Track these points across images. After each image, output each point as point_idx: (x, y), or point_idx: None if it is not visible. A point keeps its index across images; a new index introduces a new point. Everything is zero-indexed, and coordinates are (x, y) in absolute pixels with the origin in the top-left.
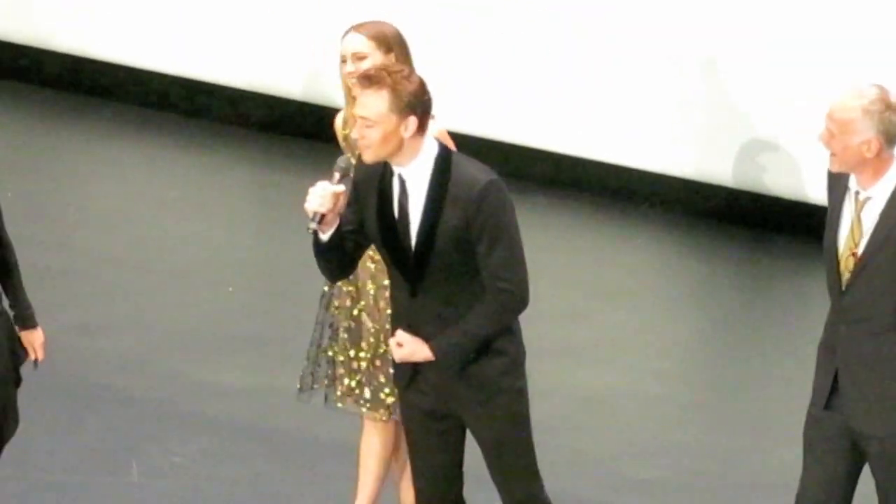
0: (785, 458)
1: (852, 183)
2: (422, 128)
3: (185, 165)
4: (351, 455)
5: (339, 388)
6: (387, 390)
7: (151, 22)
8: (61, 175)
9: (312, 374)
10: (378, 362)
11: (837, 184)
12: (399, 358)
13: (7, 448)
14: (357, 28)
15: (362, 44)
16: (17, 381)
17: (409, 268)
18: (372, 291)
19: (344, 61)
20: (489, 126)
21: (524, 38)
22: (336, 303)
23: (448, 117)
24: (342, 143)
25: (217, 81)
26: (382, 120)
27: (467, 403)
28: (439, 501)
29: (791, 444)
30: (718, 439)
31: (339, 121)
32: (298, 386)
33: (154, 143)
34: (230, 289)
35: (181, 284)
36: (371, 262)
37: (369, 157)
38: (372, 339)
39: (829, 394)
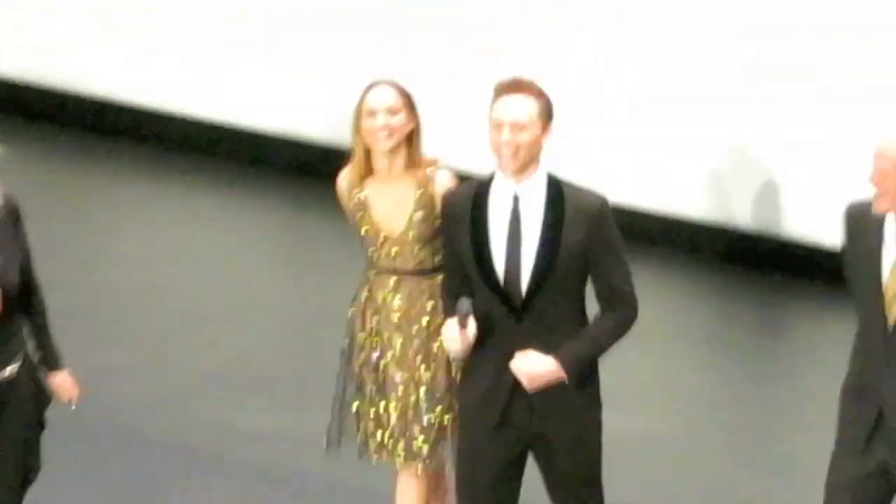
0: (811, 501)
1: (891, 221)
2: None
3: (209, 208)
4: (375, 500)
5: (373, 443)
6: (420, 439)
7: (177, 66)
8: (86, 218)
9: (339, 429)
10: (411, 413)
11: (865, 227)
12: (532, 388)
13: (30, 493)
14: (384, 83)
15: (394, 97)
16: (41, 425)
17: (516, 293)
18: (399, 342)
19: (372, 115)
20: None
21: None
22: (362, 357)
23: (452, 155)
24: (349, 208)
25: (242, 125)
26: (533, 125)
27: (559, 433)
28: None
29: (814, 487)
30: (742, 483)
31: (342, 182)
32: (325, 442)
33: (179, 186)
34: (256, 332)
35: (206, 327)
36: (395, 313)
37: (515, 165)
38: (401, 391)
39: (869, 434)
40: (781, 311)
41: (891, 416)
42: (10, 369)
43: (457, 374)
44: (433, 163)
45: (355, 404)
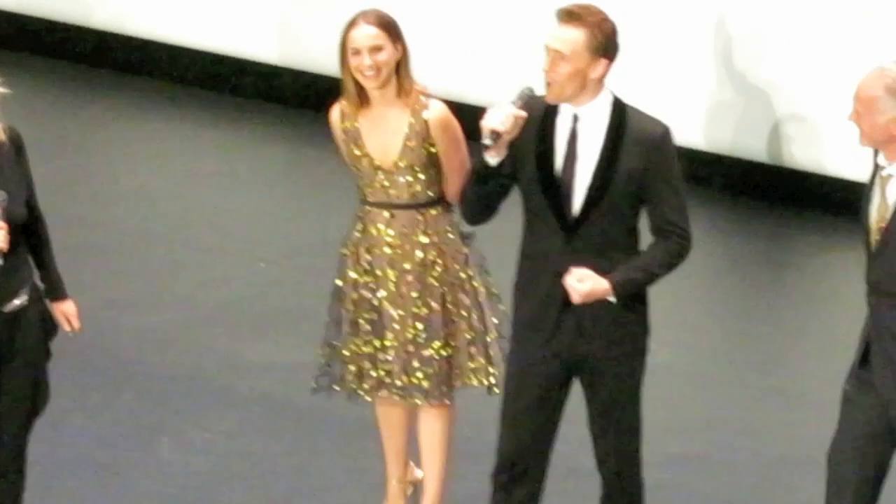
0: (819, 432)
1: (880, 159)
2: (606, 73)
3: (216, 141)
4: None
5: (367, 381)
6: (420, 374)
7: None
8: (93, 151)
9: (328, 374)
10: (411, 348)
11: (874, 158)
12: (582, 296)
13: (38, 423)
14: (366, 19)
15: (376, 34)
16: (48, 355)
17: (569, 211)
18: (393, 278)
19: (357, 53)
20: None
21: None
22: (354, 296)
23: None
24: (340, 136)
25: (249, 57)
26: (576, 56)
27: (606, 355)
28: (530, 454)
29: (824, 418)
30: (753, 414)
31: (335, 113)
32: (314, 385)
33: (186, 119)
34: (262, 264)
35: (213, 260)
36: (389, 247)
37: (553, 94)
38: (397, 327)
39: (863, 362)
40: (789, 242)
41: (874, 347)
42: (20, 299)
43: (453, 305)
44: (423, 90)
45: (350, 346)
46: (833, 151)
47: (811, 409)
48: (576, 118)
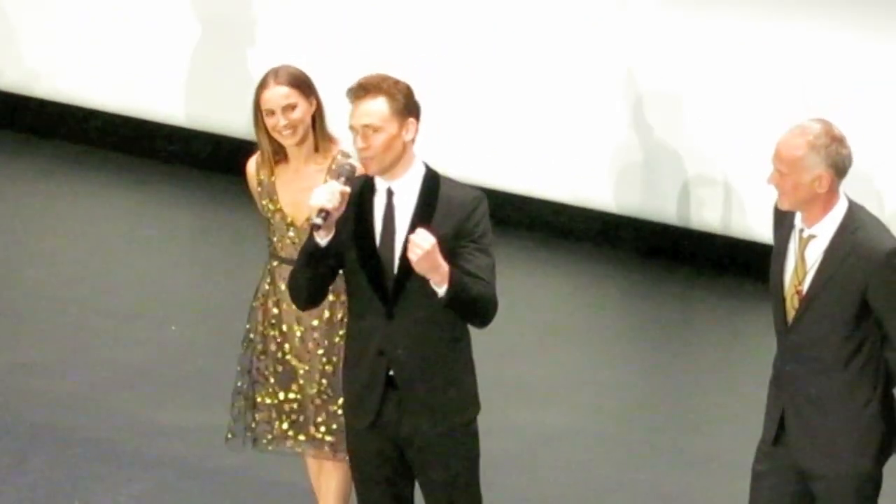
0: (734, 494)
1: (797, 221)
2: (416, 134)
3: (126, 203)
4: (295, 493)
5: (271, 432)
6: (323, 430)
7: (92, 60)
8: (3, 215)
9: (241, 423)
10: (318, 401)
11: (783, 222)
12: (420, 256)
13: None
14: (275, 79)
15: (289, 94)
16: None
17: (388, 284)
18: (299, 334)
19: (271, 114)
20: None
21: (468, 79)
22: (260, 347)
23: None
24: (255, 189)
25: (159, 119)
26: (386, 124)
27: (429, 438)
28: None
29: (740, 480)
30: (668, 477)
31: (251, 166)
32: (228, 435)
33: (96, 182)
34: (173, 327)
35: (124, 323)
36: None
37: (374, 167)
38: (301, 381)
39: (777, 431)
40: (705, 305)
41: (790, 415)
42: None
43: None
44: (337, 143)
45: (258, 395)
46: (742, 213)
47: (728, 471)
48: (390, 193)
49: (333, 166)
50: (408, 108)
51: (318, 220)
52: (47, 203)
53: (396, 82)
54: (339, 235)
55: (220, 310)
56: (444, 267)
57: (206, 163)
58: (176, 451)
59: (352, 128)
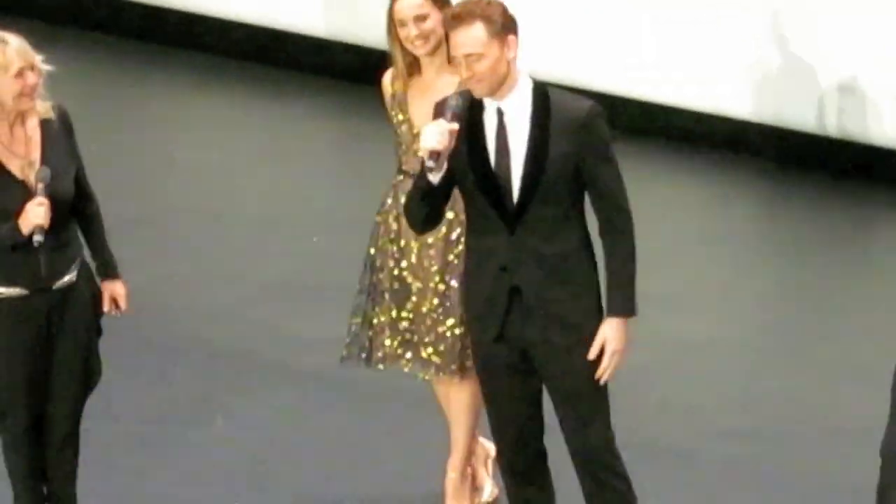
0: (869, 406)
1: None
2: (517, 49)
3: (267, 115)
4: (433, 405)
5: (382, 349)
6: (431, 349)
7: None
8: (145, 127)
9: (357, 343)
10: (429, 320)
11: None
12: (617, 364)
13: (91, 399)
14: None
15: (422, 4)
16: (99, 332)
17: (509, 204)
18: (415, 250)
19: (403, 24)
20: (566, 71)
21: None
22: (379, 263)
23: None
24: (388, 101)
25: (300, 30)
26: (487, 49)
27: (559, 343)
28: (524, 455)
29: (876, 392)
30: (804, 388)
31: (387, 78)
32: (343, 353)
33: (237, 94)
34: (315, 239)
35: (266, 235)
36: None
37: (484, 91)
38: (415, 299)
39: None
40: (853, 216)
41: None
42: (69, 276)
43: None
44: None
45: (373, 313)
46: (878, 121)
47: (864, 383)
48: (500, 112)
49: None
50: (505, 26)
51: (431, 164)
52: (188, 114)
53: (489, 2)
54: (452, 160)
55: (360, 222)
56: (620, 341)
57: (344, 73)
58: (319, 364)
59: (453, 58)
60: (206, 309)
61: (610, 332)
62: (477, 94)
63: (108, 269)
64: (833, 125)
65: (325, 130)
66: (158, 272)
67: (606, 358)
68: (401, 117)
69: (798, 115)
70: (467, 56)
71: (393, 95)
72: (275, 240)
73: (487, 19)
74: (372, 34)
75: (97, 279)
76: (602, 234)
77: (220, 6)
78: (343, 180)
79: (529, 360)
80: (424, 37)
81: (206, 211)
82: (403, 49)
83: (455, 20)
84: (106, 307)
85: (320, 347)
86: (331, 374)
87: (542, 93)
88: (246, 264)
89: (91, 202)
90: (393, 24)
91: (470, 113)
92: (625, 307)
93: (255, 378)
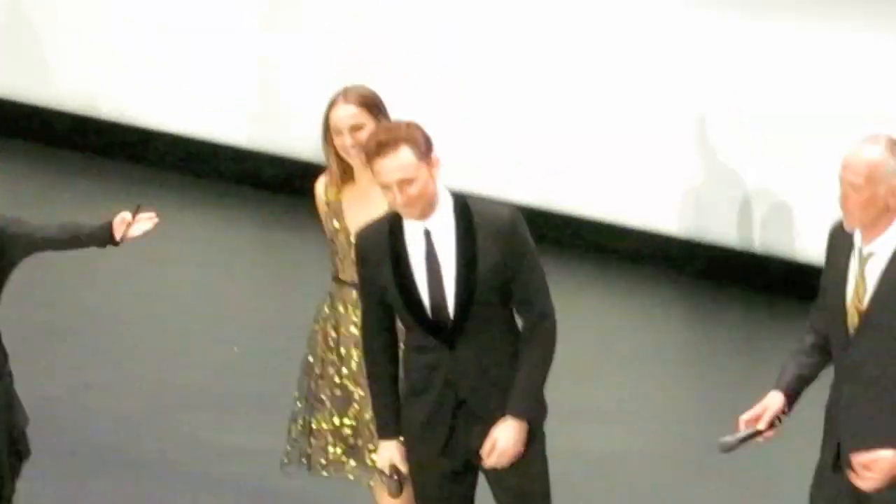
0: None
1: (857, 239)
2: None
3: (189, 225)
4: None
5: (325, 456)
6: (375, 457)
7: (157, 82)
8: None
9: (296, 446)
10: (372, 427)
11: (842, 241)
12: (501, 464)
13: None
14: (345, 98)
15: (356, 113)
16: (17, 450)
17: (447, 322)
18: (356, 358)
19: (339, 133)
20: (494, 187)
21: (521, 97)
22: (318, 371)
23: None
24: (323, 209)
25: (222, 140)
26: (417, 172)
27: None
28: None
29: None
30: (729, 501)
31: (320, 185)
32: (284, 459)
33: (159, 203)
34: (235, 349)
35: (187, 344)
36: (355, 327)
37: (416, 213)
38: (357, 406)
39: (835, 455)
40: (759, 329)
41: (846, 436)
42: None
43: None
44: None
45: (313, 421)
46: (803, 237)
47: (789, 496)
48: (428, 233)
49: None
50: (428, 146)
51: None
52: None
53: (407, 125)
54: (383, 285)
55: (281, 331)
56: (521, 432)
57: (268, 184)
58: (237, 473)
59: (384, 186)
60: (127, 417)
61: (501, 432)
62: (408, 217)
63: (103, 228)
64: (757, 240)
65: (246, 240)
66: (77, 381)
67: (494, 456)
68: (337, 225)
69: (721, 229)
70: (400, 182)
71: (328, 203)
72: (195, 349)
73: (413, 142)
74: (295, 146)
75: (13, 394)
76: (524, 339)
77: (141, 116)
78: (264, 289)
79: (473, 467)
80: (360, 146)
81: (124, 319)
82: (338, 156)
83: (381, 147)
84: (121, 231)
85: (240, 456)
86: (251, 483)
87: (464, 205)
88: (166, 373)
89: (61, 227)
90: (329, 131)
91: (390, 243)
92: (521, 410)
93: (175, 488)
